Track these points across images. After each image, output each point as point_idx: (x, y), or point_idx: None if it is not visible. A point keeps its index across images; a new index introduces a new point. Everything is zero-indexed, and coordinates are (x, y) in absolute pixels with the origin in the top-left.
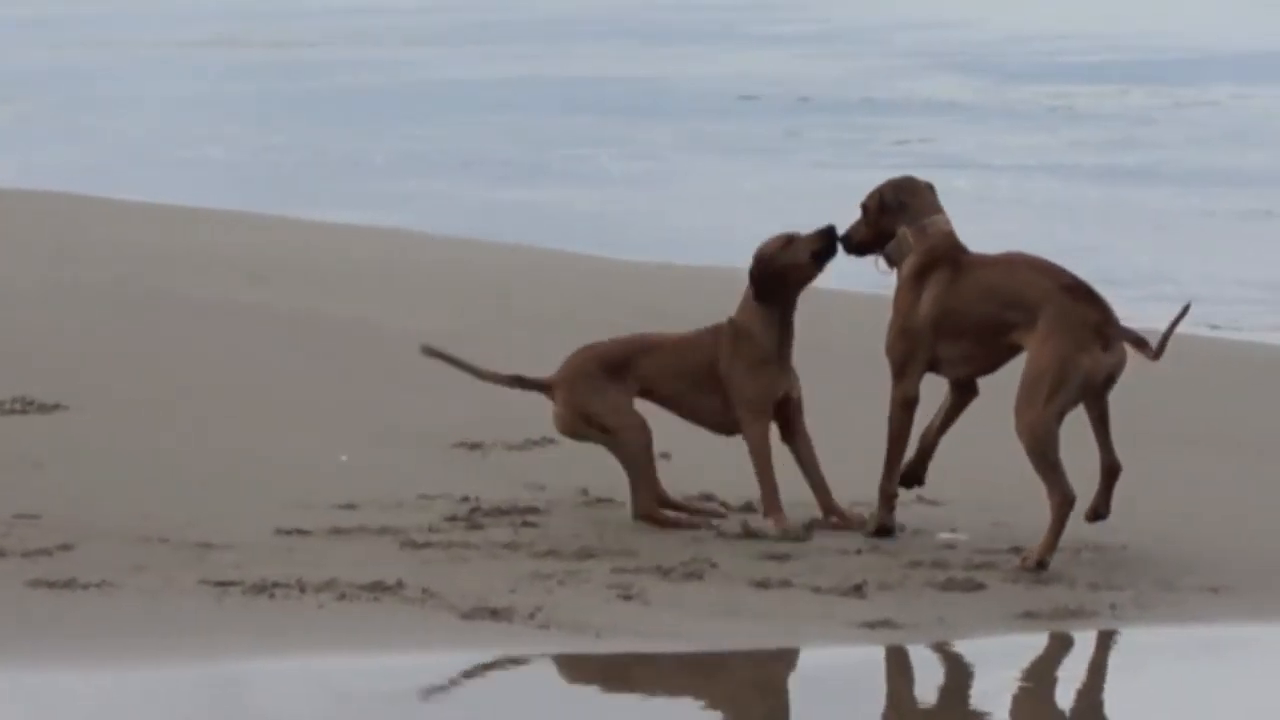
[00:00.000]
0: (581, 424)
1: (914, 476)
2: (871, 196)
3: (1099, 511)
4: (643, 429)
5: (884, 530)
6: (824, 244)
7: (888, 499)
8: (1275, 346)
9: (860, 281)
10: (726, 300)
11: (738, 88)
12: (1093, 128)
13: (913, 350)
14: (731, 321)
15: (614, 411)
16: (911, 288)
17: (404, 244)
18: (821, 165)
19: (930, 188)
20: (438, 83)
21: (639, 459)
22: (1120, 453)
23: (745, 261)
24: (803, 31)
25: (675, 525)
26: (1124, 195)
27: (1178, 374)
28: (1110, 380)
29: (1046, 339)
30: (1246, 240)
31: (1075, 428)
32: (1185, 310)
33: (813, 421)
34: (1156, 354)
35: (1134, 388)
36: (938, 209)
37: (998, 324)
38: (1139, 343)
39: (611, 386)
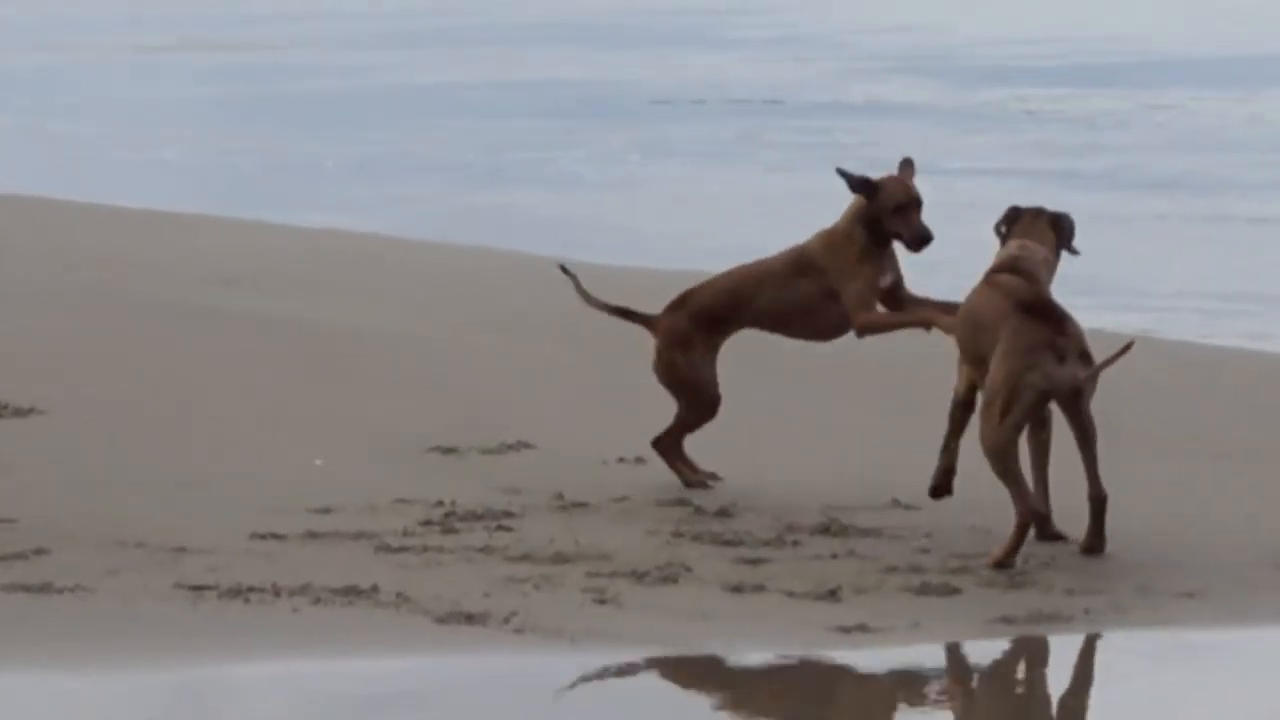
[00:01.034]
0: (667, 373)
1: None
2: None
3: (1091, 546)
4: (714, 401)
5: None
6: (915, 242)
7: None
8: (1242, 351)
9: None
10: None
11: (697, 91)
12: (1050, 131)
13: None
14: (829, 231)
15: (695, 372)
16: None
17: (374, 247)
18: (778, 169)
19: (1038, 216)
20: (400, 87)
21: (693, 419)
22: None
23: (709, 266)
24: (765, 36)
25: (678, 470)
26: (1080, 200)
27: (1149, 379)
28: (1076, 392)
29: (1001, 358)
30: (1204, 245)
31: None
32: (1127, 348)
33: (800, 430)
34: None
35: (1107, 392)
36: (1032, 235)
37: (976, 351)
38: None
39: (702, 344)
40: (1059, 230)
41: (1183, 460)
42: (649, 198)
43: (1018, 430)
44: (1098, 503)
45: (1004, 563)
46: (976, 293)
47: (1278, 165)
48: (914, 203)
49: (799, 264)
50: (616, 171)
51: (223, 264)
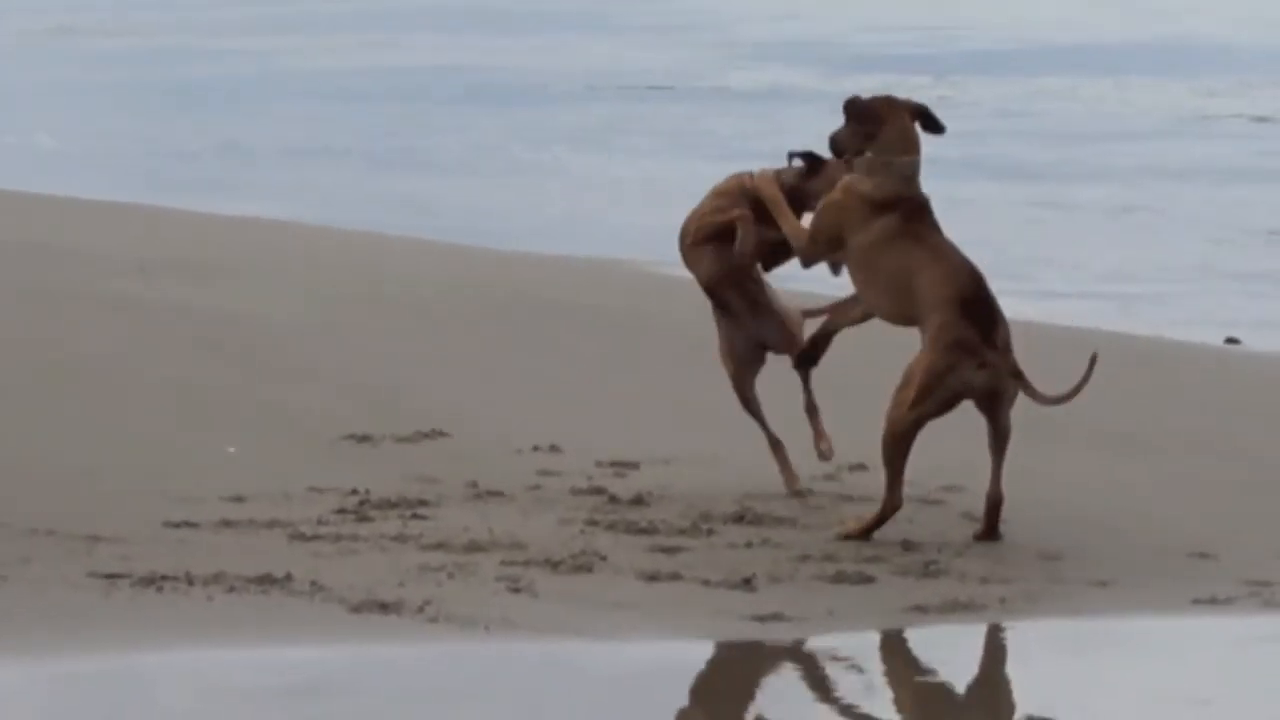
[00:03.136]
0: None
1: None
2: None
3: (986, 537)
4: None
5: None
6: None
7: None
8: (1148, 339)
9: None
10: (611, 289)
11: (586, 78)
12: None
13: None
14: None
15: None
16: (862, 212)
17: (282, 234)
18: (665, 153)
19: (898, 109)
20: (277, 72)
21: None
22: (1008, 448)
23: (606, 250)
24: (654, 23)
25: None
26: (951, 189)
27: (1053, 369)
28: (994, 396)
29: (927, 348)
30: (1082, 232)
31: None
32: (1093, 361)
33: (714, 418)
34: (1054, 400)
35: None
36: (903, 140)
37: (905, 312)
38: (1025, 387)
39: None
40: (926, 119)
41: (1093, 450)
42: (539, 184)
43: (921, 422)
44: (996, 504)
45: (853, 536)
46: (907, 230)
47: (1146, 154)
48: None
49: None
50: (503, 158)
51: (132, 251)
